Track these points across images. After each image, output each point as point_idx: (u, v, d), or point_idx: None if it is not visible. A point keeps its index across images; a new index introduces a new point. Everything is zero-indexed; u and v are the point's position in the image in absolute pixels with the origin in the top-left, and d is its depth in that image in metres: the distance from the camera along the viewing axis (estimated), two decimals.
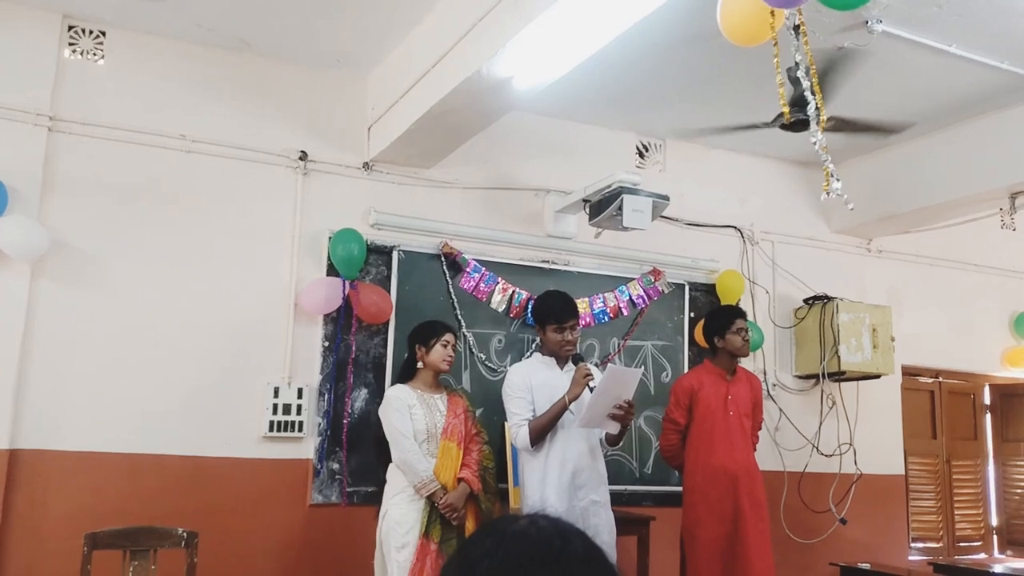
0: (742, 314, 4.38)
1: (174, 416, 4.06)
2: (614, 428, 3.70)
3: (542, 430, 3.68)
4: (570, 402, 3.66)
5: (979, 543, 6.28)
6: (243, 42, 4.32)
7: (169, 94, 4.25)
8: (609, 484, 3.95)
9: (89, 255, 4.01)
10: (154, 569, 3.46)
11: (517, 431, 3.72)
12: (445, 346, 3.82)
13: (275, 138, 4.42)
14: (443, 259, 4.62)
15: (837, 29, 3.83)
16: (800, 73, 2.82)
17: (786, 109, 3.25)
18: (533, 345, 4.57)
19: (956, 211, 5.44)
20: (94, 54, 4.14)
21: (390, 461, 3.73)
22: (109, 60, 4.16)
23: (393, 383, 3.98)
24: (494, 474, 3.90)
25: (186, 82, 4.29)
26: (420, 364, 3.84)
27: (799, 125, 3.74)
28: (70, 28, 4.09)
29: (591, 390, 3.62)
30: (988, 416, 6.48)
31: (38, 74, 3.98)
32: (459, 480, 3.69)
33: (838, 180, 2.69)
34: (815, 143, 2.85)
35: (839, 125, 4.17)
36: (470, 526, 3.67)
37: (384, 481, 3.77)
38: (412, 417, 3.68)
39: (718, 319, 4.35)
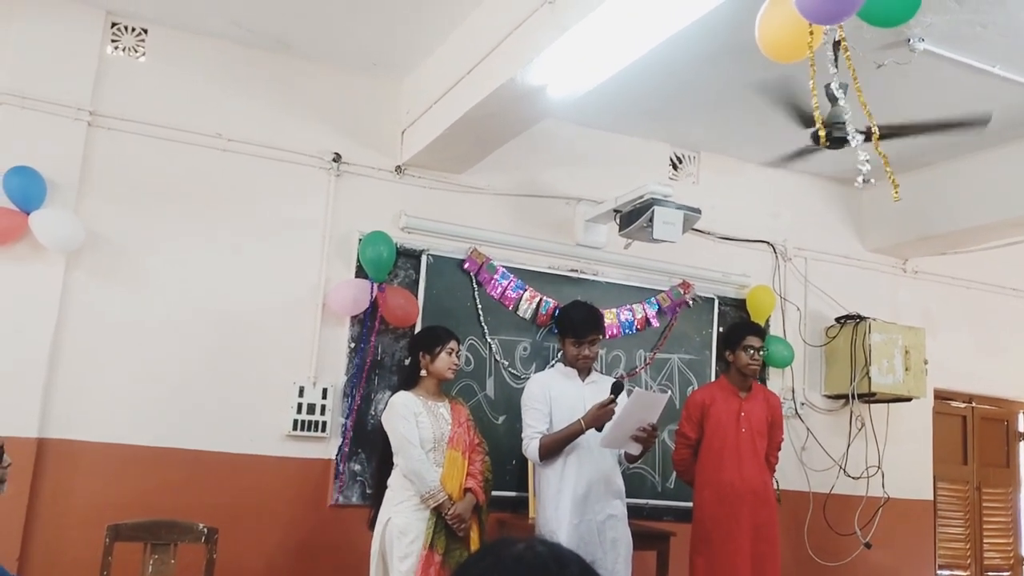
0: (757, 331, 4.28)
1: (199, 411, 4.09)
2: (636, 449, 3.66)
3: (554, 448, 3.65)
4: (587, 428, 3.61)
5: (1008, 573, 6.15)
6: (281, 43, 4.36)
7: (207, 92, 4.30)
8: (631, 497, 3.93)
9: (123, 249, 4.06)
10: (174, 563, 3.49)
11: (528, 443, 3.69)
12: (450, 354, 3.73)
13: (310, 139, 4.45)
14: (468, 270, 4.62)
15: (878, 46, 3.78)
16: (837, 89, 2.76)
17: (822, 132, 3.19)
18: (559, 354, 4.55)
19: (994, 234, 5.34)
20: (135, 51, 4.20)
21: (392, 468, 3.64)
22: (150, 57, 4.21)
23: (395, 390, 3.86)
24: (492, 485, 3.78)
25: (224, 81, 4.34)
26: (424, 372, 3.74)
27: (837, 142, 3.68)
28: (113, 25, 4.15)
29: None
30: (1021, 444, 6.35)
31: (80, 69, 4.04)
32: (466, 491, 3.60)
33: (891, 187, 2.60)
34: (865, 161, 2.76)
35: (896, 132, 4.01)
36: (474, 537, 3.60)
37: (385, 487, 3.65)
38: (419, 425, 3.58)
39: (732, 333, 4.30)
